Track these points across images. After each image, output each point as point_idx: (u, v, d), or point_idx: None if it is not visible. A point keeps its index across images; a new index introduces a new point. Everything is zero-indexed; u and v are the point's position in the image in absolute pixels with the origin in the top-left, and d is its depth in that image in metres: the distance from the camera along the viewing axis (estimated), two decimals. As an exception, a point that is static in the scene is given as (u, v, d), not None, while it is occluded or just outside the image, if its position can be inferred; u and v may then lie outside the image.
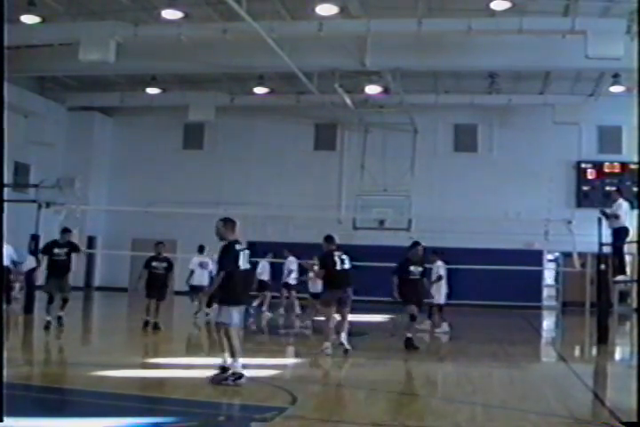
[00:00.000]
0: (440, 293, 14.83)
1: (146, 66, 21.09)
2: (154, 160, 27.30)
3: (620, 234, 12.71)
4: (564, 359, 11.96)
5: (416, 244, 12.20)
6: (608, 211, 13.07)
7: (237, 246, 8.22)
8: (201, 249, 16.70)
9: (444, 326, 14.98)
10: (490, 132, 26.25)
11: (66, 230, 13.90)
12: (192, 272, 16.35)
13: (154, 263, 13.83)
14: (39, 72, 23.03)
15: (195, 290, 16.18)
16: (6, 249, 13.30)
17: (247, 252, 8.31)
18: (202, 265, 16.35)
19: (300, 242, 23.24)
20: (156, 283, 13.70)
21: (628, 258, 13.72)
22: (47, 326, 12.93)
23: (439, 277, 15.00)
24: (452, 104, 25.07)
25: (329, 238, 11.26)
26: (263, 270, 18.18)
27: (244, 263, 8.21)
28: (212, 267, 15.49)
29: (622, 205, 12.82)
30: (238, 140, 27.04)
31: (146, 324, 13.61)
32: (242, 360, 7.90)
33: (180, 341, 13.66)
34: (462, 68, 21.17)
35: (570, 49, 17.77)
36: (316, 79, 21.09)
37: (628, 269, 13.48)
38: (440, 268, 15.23)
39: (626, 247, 13.10)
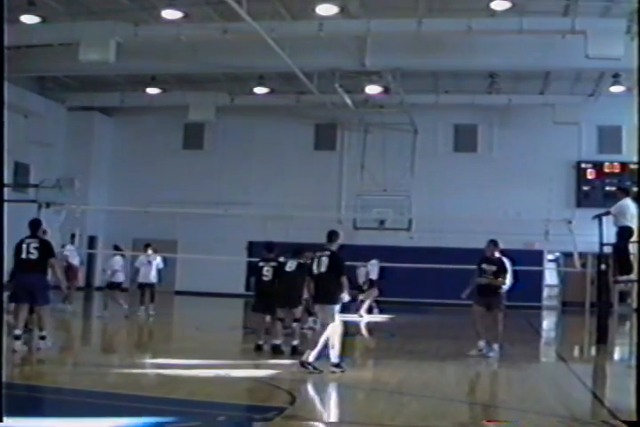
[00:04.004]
0: None
1: (146, 66, 21.12)
2: (154, 160, 27.30)
3: (623, 233, 12.66)
4: (563, 359, 11.96)
5: (491, 242, 12.33)
6: (612, 210, 13.00)
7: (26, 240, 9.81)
8: (146, 247, 17.20)
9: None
10: (490, 132, 26.24)
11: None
12: (137, 271, 16.79)
13: (260, 264, 11.26)
14: (39, 72, 23.04)
15: (142, 287, 16.67)
16: None
17: (33, 244, 9.69)
18: (149, 262, 16.76)
19: (300, 242, 23.28)
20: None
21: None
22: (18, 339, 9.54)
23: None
24: (452, 104, 25.05)
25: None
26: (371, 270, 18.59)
27: (24, 254, 9.68)
28: (160, 263, 16.79)
29: (630, 206, 12.70)
30: (238, 140, 27.03)
31: (258, 347, 10.79)
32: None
33: (179, 341, 13.65)
34: (462, 68, 21.18)
35: (570, 49, 17.78)
36: (316, 79, 21.09)
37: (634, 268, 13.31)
38: None
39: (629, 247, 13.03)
